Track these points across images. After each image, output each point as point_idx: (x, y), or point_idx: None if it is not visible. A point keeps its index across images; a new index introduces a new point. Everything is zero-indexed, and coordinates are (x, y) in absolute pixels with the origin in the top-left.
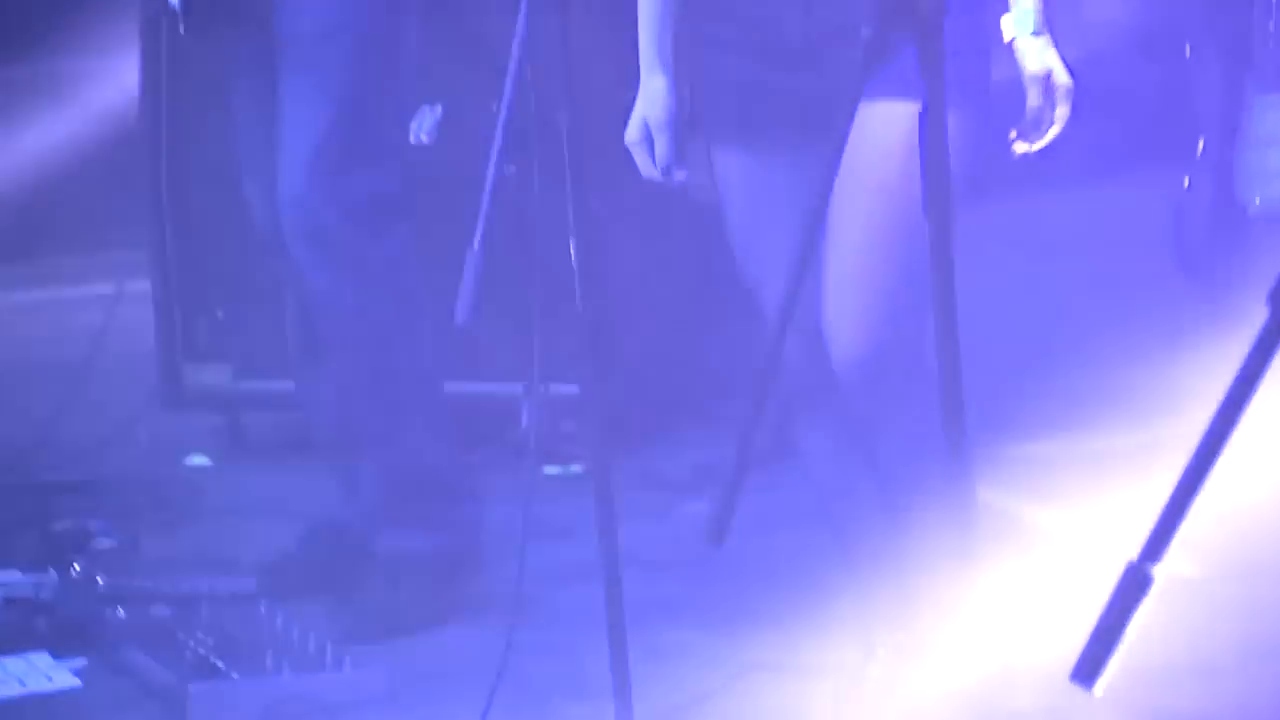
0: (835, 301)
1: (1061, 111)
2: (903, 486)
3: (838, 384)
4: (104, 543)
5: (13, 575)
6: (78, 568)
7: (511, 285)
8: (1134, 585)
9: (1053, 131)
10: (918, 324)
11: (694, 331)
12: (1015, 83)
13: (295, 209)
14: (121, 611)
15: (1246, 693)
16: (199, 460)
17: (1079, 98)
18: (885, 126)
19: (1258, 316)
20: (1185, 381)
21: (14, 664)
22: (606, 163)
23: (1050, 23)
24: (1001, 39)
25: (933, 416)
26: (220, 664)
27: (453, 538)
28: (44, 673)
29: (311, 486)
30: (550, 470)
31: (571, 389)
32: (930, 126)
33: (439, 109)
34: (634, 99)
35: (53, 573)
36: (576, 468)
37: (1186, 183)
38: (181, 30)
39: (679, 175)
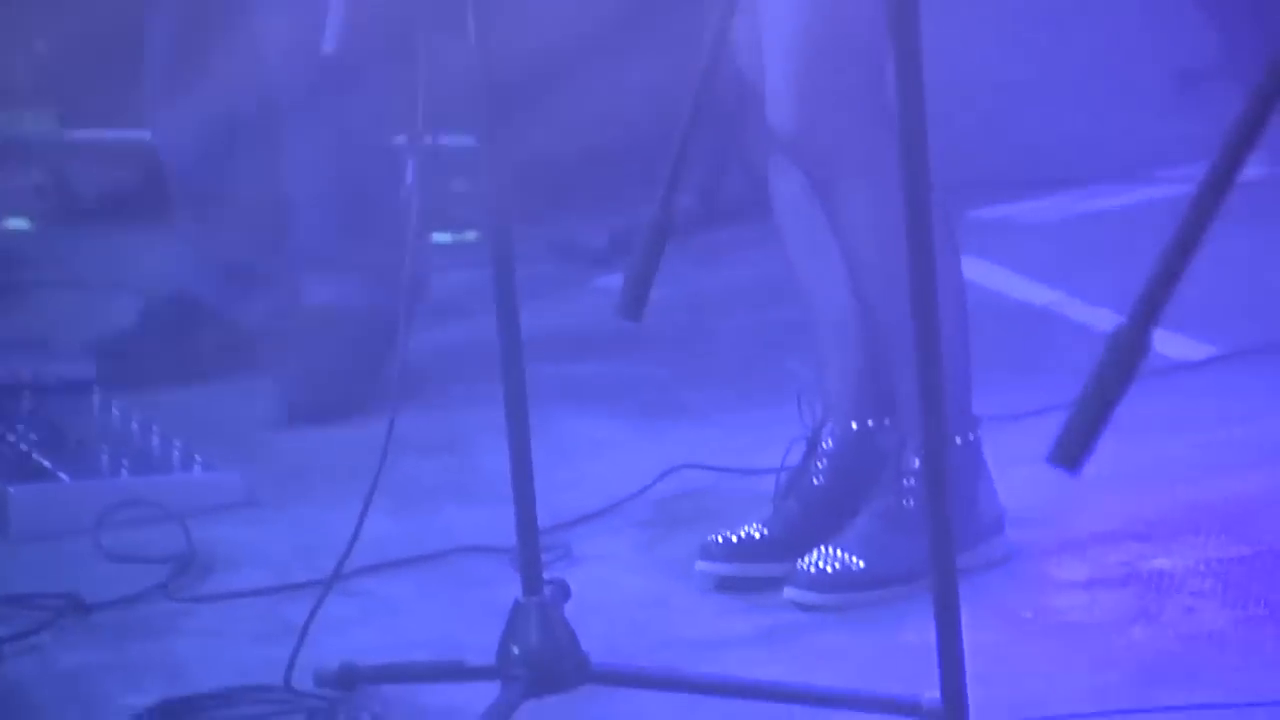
0: (769, 63)
1: None
2: (858, 258)
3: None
4: None
5: None
6: None
7: (391, 10)
8: (1122, 354)
9: None
10: (857, 85)
11: (614, 73)
12: None
13: None
14: None
15: (1254, 491)
16: (18, 224)
17: None
18: None
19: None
20: (1187, 129)
21: None
22: None
23: None
24: None
25: (885, 182)
26: (46, 463)
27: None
28: None
29: (154, 254)
30: (440, 238)
31: (466, 141)
32: None
33: None
34: None
35: None
36: (471, 234)
37: None
38: None
39: None
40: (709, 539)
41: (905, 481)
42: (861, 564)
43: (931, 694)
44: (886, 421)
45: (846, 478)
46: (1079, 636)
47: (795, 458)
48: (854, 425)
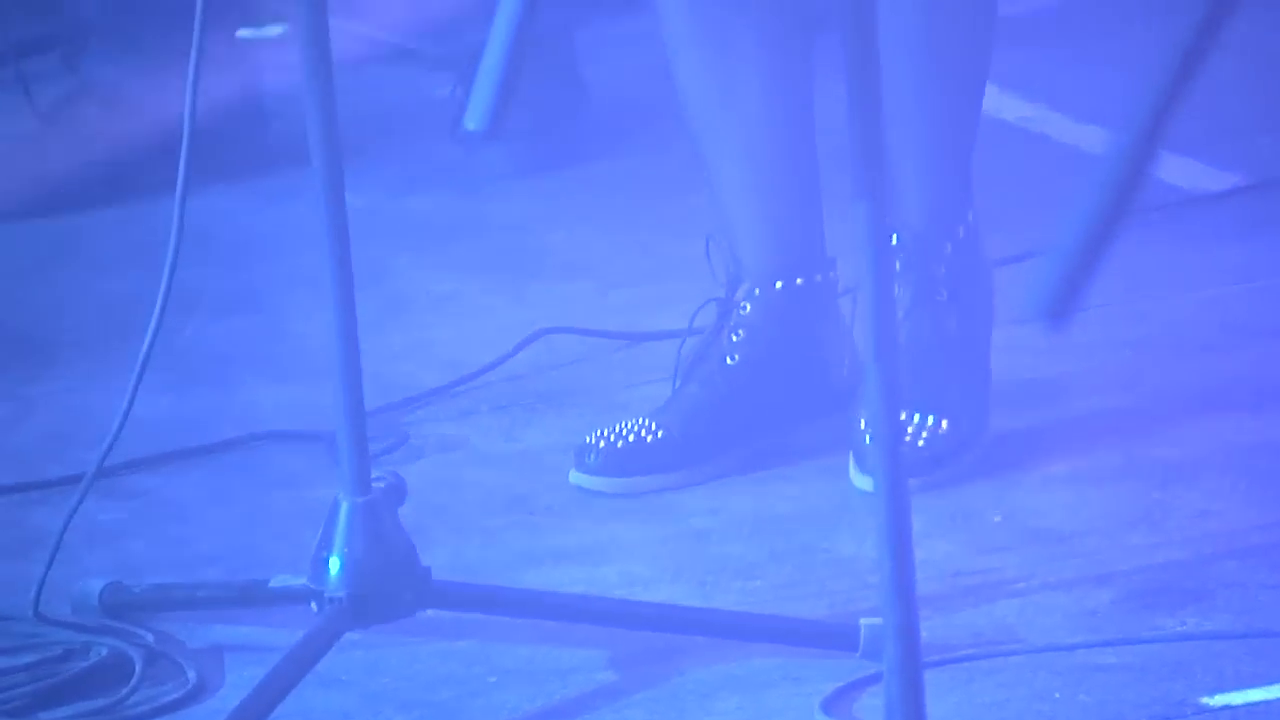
0: None
1: None
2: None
3: None
4: None
5: None
6: None
7: None
8: (1117, 182)
9: None
10: None
11: None
12: None
13: None
14: None
15: None
16: None
17: None
18: None
19: None
20: None
21: None
22: None
23: None
24: None
25: None
26: None
27: None
28: None
29: None
30: (243, 34)
31: None
32: None
33: None
34: None
35: None
36: (276, 29)
37: None
38: None
39: None
40: (585, 440)
41: (940, 292)
42: (945, 424)
43: (871, 620)
44: (819, 277)
45: (770, 355)
46: (1061, 546)
47: (705, 321)
48: (779, 284)
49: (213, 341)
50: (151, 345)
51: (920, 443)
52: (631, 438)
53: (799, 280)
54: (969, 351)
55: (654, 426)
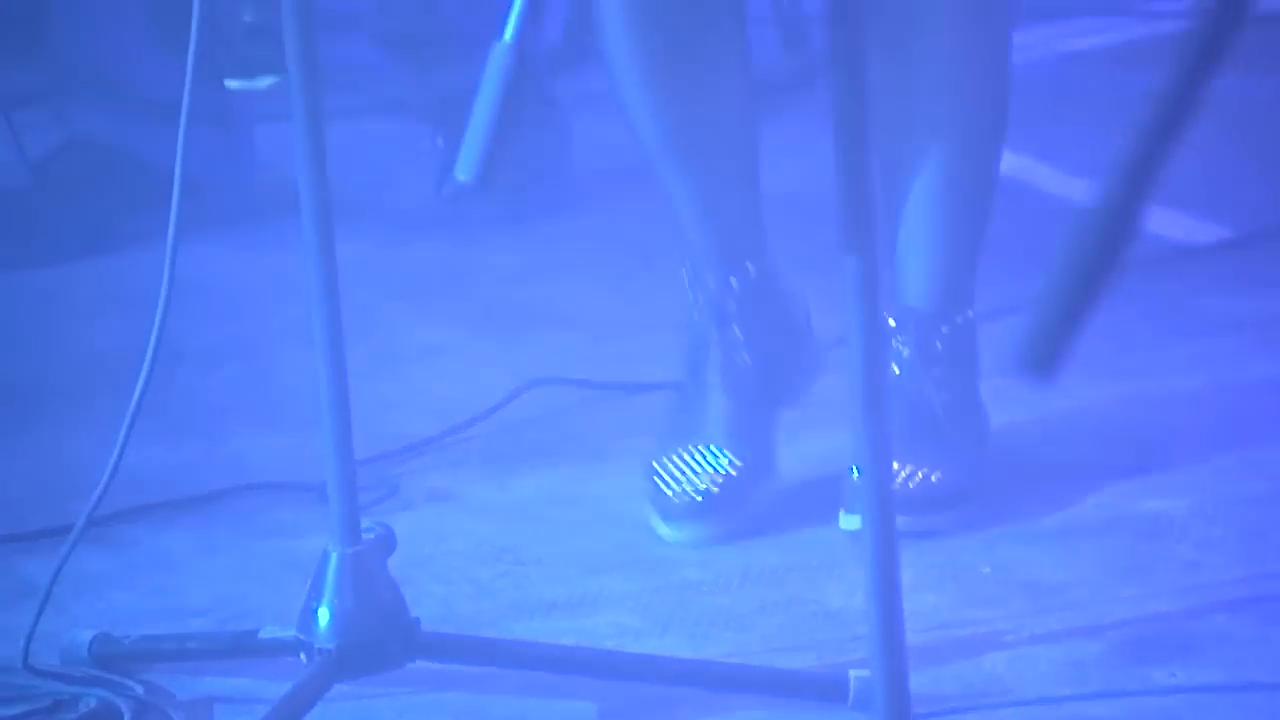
0: None
1: None
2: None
3: None
4: None
5: None
6: None
7: None
8: (1104, 235)
9: None
10: None
11: None
12: None
13: None
14: None
15: (1276, 411)
16: None
17: None
18: None
19: None
20: None
21: None
22: None
23: None
24: None
25: None
26: None
27: None
28: None
29: None
30: (232, 85)
31: None
32: None
33: None
34: None
35: None
36: (266, 80)
37: None
38: None
39: None
40: (664, 490)
41: (933, 370)
42: (936, 476)
43: (860, 672)
44: (765, 259)
45: (767, 335)
46: (1050, 598)
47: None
48: (751, 268)
49: (202, 392)
50: (142, 396)
51: (912, 485)
52: (720, 478)
53: (752, 267)
54: (961, 421)
55: (729, 457)
